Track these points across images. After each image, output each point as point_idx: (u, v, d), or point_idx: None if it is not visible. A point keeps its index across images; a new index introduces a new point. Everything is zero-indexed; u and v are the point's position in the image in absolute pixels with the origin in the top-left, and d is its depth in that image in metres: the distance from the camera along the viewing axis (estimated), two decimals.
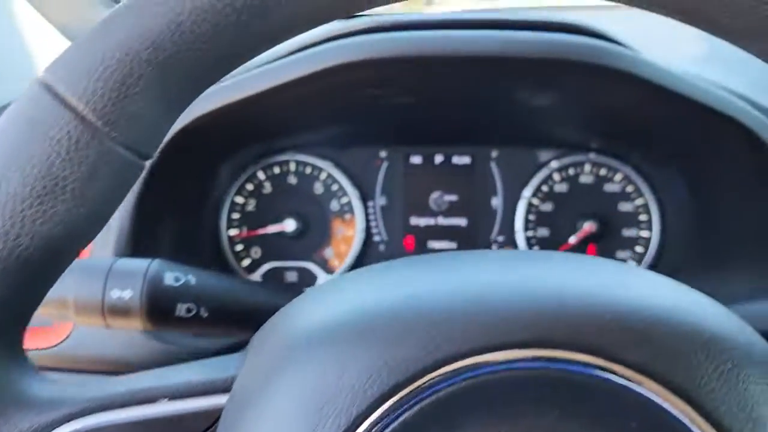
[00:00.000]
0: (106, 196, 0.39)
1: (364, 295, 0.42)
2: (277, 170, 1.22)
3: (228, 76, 0.90)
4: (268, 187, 1.21)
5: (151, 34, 0.37)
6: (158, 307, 0.69)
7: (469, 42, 0.80)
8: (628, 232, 1.21)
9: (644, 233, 1.21)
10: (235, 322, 0.74)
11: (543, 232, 1.22)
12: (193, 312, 0.71)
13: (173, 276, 0.71)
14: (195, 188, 1.07)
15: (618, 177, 1.21)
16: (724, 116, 0.86)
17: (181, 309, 0.70)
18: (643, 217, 1.21)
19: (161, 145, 0.86)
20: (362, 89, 0.90)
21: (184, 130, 0.83)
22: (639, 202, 1.21)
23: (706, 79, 0.94)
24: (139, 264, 0.70)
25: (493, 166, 1.24)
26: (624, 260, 1.21)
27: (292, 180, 1.22)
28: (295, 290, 0.80)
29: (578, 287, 0.41)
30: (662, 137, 1.08)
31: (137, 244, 0.88)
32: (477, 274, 0.43)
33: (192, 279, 0.71)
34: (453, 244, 1.25)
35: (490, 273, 0.43)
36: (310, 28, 0.40)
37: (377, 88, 0.89)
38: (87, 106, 0.36)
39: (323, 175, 1.22)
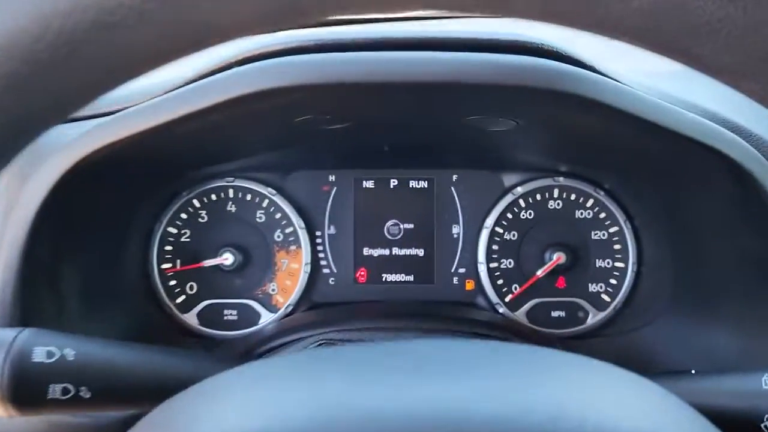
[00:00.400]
0: None
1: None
2: (213, 197, 1.10)
3: (130, 101, 0.79)
4: (204, 216, 1.10)
5: None
6: (25, 390, 0.57)
7: (411, 66, 0.69)
8: (601, 263, 1.10)
9: (619, 264, 1.10)
10: (127, 401, 0.63)
11: (508, 263, 1.11)
12: (71, 393, 0.59)
13: (45, 351, 0.59)
14: (108, 223, 0.94)
15: (589, 203, 1.10)
16: (704, 146, 0.75)
17: (55, 390, 0.58)
18: (617, 246, 1.10)
19: (49, 185, 0.74)
20: (289, 115, 0.78)
21: (76, 168, 0.71)
22: (613, 229, 1.10)
23: (679, 98, 0.84)
24: (2, 336, 0.59)
25: (454, 190, 1.13)
26: (596, 293, 1.10)
27: (231, 208, 1.10)
28: (199, 356, 0.68)
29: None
30: (637, 162, 0.97)
31: (30, 302, 0.75)
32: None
33: (70, 353, 0.60)
34: (409, 277, 1.14)
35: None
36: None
37: (305, 113, 0.77)
38: None
39: (265, 203, 1.10)
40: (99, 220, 0.90)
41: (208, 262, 1.08)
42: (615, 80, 0.76)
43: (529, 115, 0.84)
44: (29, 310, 0.74)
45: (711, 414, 0.43)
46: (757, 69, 0.32)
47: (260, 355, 0.90)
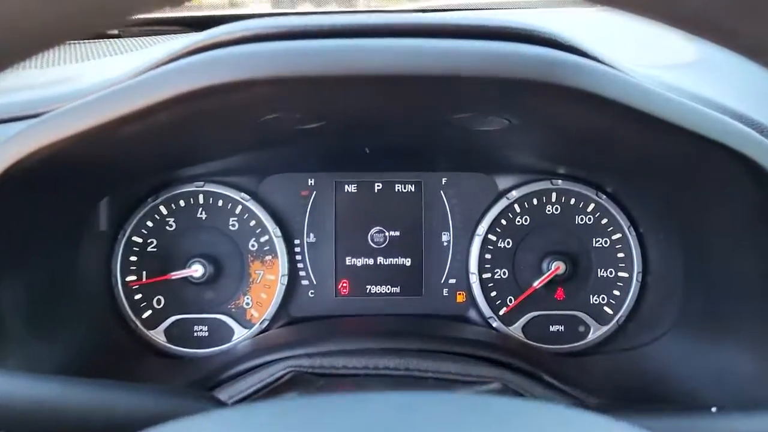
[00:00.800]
0: None
1: None
2: (182, 203, 1.01)
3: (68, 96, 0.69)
4: (171, 224, 1.01)
5: None
6: None
7: (384, 55, 0.60)
8: (604, 273, 1.02)
9: (622, 273, 1.01)
10: None
11: (502, 273, 1.02)
12: None
13: None
14: (56, 234, 0.84)
15: (590, 207, 1.02)
16: (722, 146, 0.66)
17: None
18: (620, 255, 1.01)
19: None
20: (251, 113, 0.69)
21: (5, 174, 0.62)
22: (615, 236, 1.01)
23: (694, 93, 0.75)
24: None
25: (443, 194, 1.04)
26: (598, 305, 1.02)
27: (201, 215, 1.01)
28: (144, 391, 0.59)
29: None
30: (643, 163, 0.88)
31: None
32: None
33: None
34: (396, 288, 1.05)
35: None
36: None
37: (268, 112, 0.68)
38: None
39: (238, 209, 1.02)
40: (44, 230, 0.81)
41: (176, 274, 0.99)
42: (620, 71, 0.67)
43: (523, 111, 0.75)
44: None
45: None
46: None
47: (229, 378, 0.81)
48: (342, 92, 0.64)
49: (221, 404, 0.62)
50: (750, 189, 0.71)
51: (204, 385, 0.80)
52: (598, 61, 0.67)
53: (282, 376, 0.71)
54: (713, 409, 0.55)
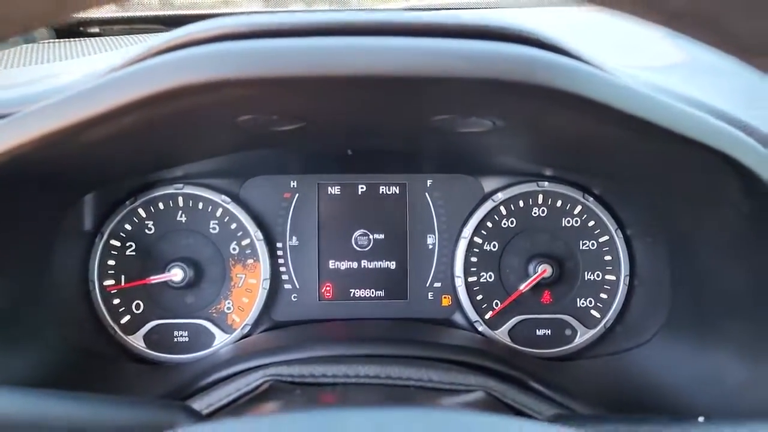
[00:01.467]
0: None
1: None
2: (161, 206, 0.99)
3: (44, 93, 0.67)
4: (150, 227, 0.99)
5: None
6: None
7: (359, 54, 0.58)
8: (591, 276, 1.01)
9: (609, 276, 1.00)
10: None
11: (488, 277, 1.01)
12: None
13: None
14: (26, 239, 0.82)
15: (577, 210, 1.00)
16: (711, 149, 0.65)
17: None
18: (607, 258, 1.00)
19: None
20: (226, 114, 0.67)
21: None
22: (603, 239, 1.00)
23: (682, 94, 0.73)
24: None
25: (428, 197, 1.03)
26: (585, 309, 1.00)
27: (181, 218, 0.99)
28: (125, 403, 0.57)
29: None
30: (630, 165, 0.87)
31: None
32: None
33: None
34: (380, 292, 1.03)
35: None
36: None
37: (243, 113, 0.66)
38: None
39: (219, 212, 1.00)
40: (15, 234, 0.79)
41: (156, 278, 0.97)
42: (603, 71, 0.66)
43: (505, 113, 0.74)
44: None
45: None
46: None
47: (208, 386, 0.79)
48: (317, 93, 0.62)
49: (196, 415, 0.60)
50: (737, 192, 0.70)
51: (182, 393, 0.78)
52: (582, 60, 0.65)
53: (259, 386, 0.69)
54: (700, 419, 0.54)
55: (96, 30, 1.48)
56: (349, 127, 0.78)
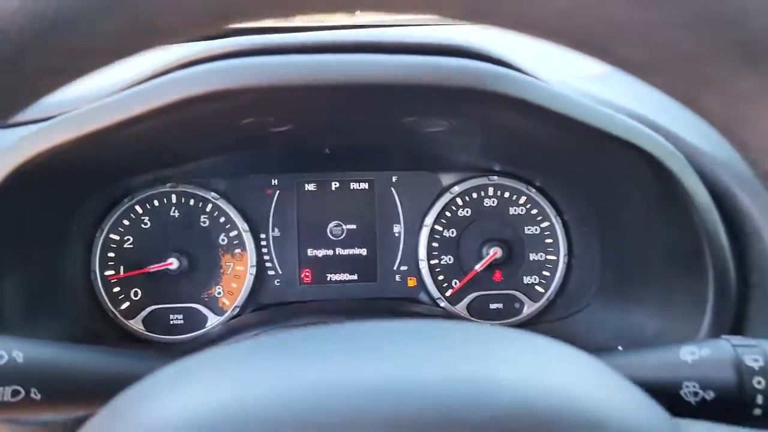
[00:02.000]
0: None
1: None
2: (156, 203, 1.10)
3: (71, 105, 0.79)
4: (147, 222, 1.10)
5: None
6: None
7: (350, 68, 0.72)
8: (535, 256, 1.16)
9: (551, 257, 1.16)
10: (77, 401, 0.63)
11: (447, 259, 1.16)
12: (21, 395, 0.59)
13: None
14: (48, 232, 0.94)
15: (522, 200, 1.16)
16: (625, 143, 0.81)
17: (5, 393, 0.59)
18: (549, 240, 1.16)
19: None
20: (233, 117, 0.80)
21: (13, 176, 0.71)
22: (544, 225, 1.16)
23: (605, 99, 0.90)
24: None
25: (394, 191, 1.17)
26: (531, 285, 1.16)
27: (175, 213, 1.11)
28: (148, 357, 0.70)
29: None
30: (565, 160, 1.03)
31: None
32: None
33: (19, 355, 0.60)
34: (353, 276, 1.17)
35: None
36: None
37: (248, 116, 0.79)
38: None
39: (209, 207, 1.12)
40: (39, 228, 0.90)
41: (153, 268, 1.08)
42: (540, 80, 0.82)
43: (462, 115, 0.89)
44: None
45: (637, 384, 0.48)
46: (667, 66, 0.36)
47: None
48: (313, 99, 0.76)
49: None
50: (650, 180, 0.87)
51: None
52: (522, 71, 0.81)
53: None
54: (619, 348, 0.69)
55: None
56: (331, 128, 0.92)
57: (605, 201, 1.03)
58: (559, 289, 1.15)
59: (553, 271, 1.16)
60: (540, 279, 1.16)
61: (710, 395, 0.61)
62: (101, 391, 0.62)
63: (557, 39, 0.36)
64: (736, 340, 0.64)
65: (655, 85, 0.38)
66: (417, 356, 0.41)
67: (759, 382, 0.60)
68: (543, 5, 0.34)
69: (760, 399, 0.60)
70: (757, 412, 0.61)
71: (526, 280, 1.16)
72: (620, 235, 1.03)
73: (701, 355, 0.64)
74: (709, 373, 0.62)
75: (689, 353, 0.64)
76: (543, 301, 1.15)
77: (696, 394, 0.62)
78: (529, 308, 1.15)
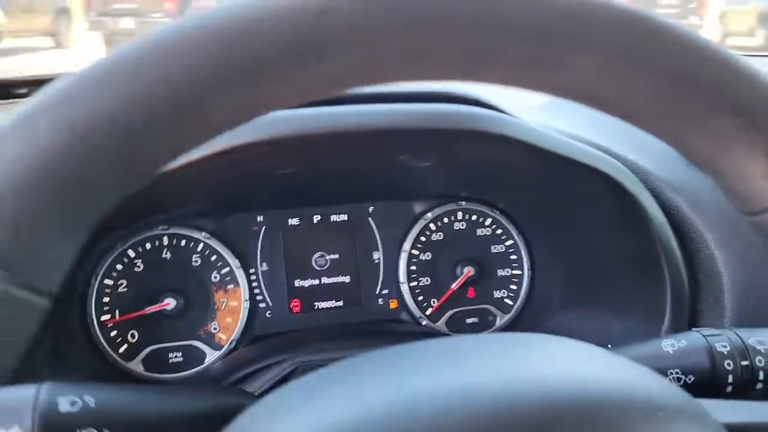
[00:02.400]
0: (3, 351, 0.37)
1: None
2: (148, 246, 1.14)
3: None
4: (140, 266, 1.14)
5: (42, 155, 0.34)
6: None
7: (355, 117, 0.82)
8: (502, 272, 1.28)
9: (516, 272, 1.29)
10: None
11: (425, 281, 1.26)
12: None
13: (68, 400, 0.63)
14: (70, 273, 0.97)
15: (488, 221, 1.28)
16: (586, 167, 0.95)
17: None
18: (513, 257, 1.28)
19: None
20: (245, 165, 0.88)
21: None
22: (509, 243, 1.28)
23: (564, 130, 1.03)
24: (24, 393, 0.62)
25: (371, 221, 1.26)
26: (501, 298, 1.28)
27: (167, 255, 1.15)
28: (219, 390, 0.75)
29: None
30: (528, 184, 1.16)
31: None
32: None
33: (90, 400, 0.65)
34: (339, 302, 1.24)
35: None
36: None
37: (260, 162, 0.87)
38: None
39: (200, 247, 1.17)
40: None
41: (150, 309, 1.12)
42: (515, 117, 0.94)
43: (447, 151, 1.00)
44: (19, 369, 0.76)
45: None
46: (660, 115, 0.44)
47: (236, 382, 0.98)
48: (325, 145, 0.85)
49: (251, 396, 0.79)
50: (608, 199, 1.01)
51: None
52: (499, 110, 0.94)
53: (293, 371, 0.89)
54: (608, 346, 0.81)
55: (24, 91, 1.56)
56: (332, 168, 1.01)
57: (566, 219, 1.17)
58: (526, 301, 1.28)
59: (520, 285, 1.28)
60: (508, 292, 1.28)
61: (690, 379, 0.74)
62: (172, 426, 0.67)
63: (587, 102, 0.43)
64: (706, 331, 0.77)
65: (645, 129, 0.48)
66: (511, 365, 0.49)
67: (728, 364, 0.73)
68: (573, 75, 0.44)
69: (730, 378, 0.73)
70: (729, 389, 0.74)
71: (497, 294, 1.28)
72: (581, 248, 1.16)
73: (680, 346, 0.76)
74: (688, 361, 0.75)
75: (670, 345, 0.77)
76: (513, 312, 1.27)
77: (679, 379, 0.74)
78: (501, 320, 1.27)
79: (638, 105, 0.43)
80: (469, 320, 1.26)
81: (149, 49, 0.36)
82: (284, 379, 0.90)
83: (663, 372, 0.74)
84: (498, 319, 1.27)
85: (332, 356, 0.95)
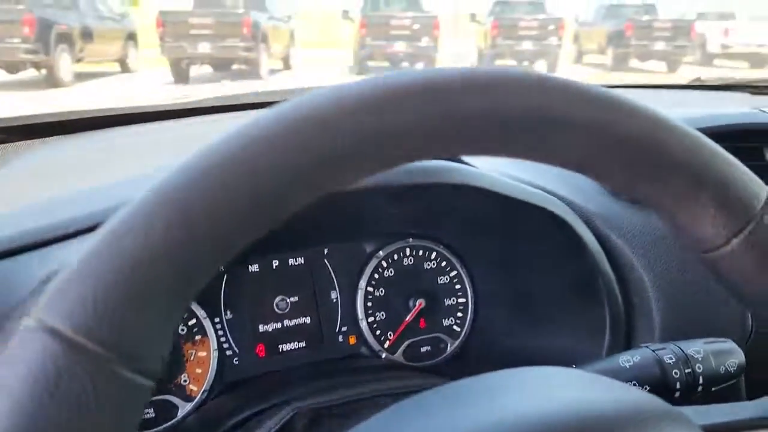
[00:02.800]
0: None
1: None
2: None
3: None
4: None
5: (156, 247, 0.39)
6: None
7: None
8: (449, 301, 1.39)
9: (461, 300, 1.40)
10: None
11: (381, 315, 1.34)
12: None
13: None
14: None
15: (433, 255, 1.39)
16: (532, 206, 1.07)
17: None
18: (458, 287, 1.40)
19: None
20: None
21: None
22: (453, 274, 1.40)
23: (511, 174, 1.16)
24: None
25: (327, 262, 1.33)
26: (449, 326, 1.39)
27: None
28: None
29: None
30: (473, 222, 1.28)
31: None
32: None
33: None
34: (302, 343, 1.30)
35: None
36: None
37: None
38: (83, 335, 0.37)
39: None
40: None
41: None
42: (464, 164, 1.06)
43: (406, 199, 1.10)
44: None
45: None
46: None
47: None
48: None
49: None
50: (550, 232, 1.14)
51: None
52: (463, 162, 1.05)
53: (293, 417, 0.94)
54: (573, 366, 0.93)
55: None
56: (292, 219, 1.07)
57: (509, 251, 1.30)
58: (472, 327, 1.39)
59: (465, 312, 1.39)
60: (455, 320, 1.39)
61: (647, 389, 0.87)
62: None
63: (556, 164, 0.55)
64: (653, 346, 0.91)
65: (600, 182, 0.61)
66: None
67: (676, 373, 0.87)
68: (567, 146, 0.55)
69: (678, 385, 0.87)
70: (677, 394, 0.88)
71: (445, 322, 1.38)
72: (525, 277, 1.30)
73: (635, 361, 0.90)
74: (642, 373, 0.88)
75: (626, 360, 0.90)
76: (461, 338, 1.38)
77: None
78: (452, 346, 1.37)
79: (596, 163, 0.54)
80: (423, 349, 1.36)
81: (239, 149, 0.42)
82: (286, 427, 0.95)
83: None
84: (449, 346, 1.37)
85: (328, 397, 1.01)
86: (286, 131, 0.44)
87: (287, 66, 20.32)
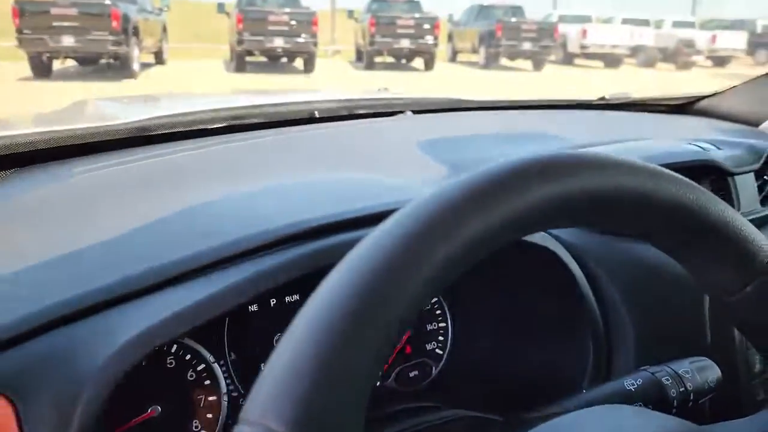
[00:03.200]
0: None
1: None
2: None
3: None
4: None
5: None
6: None
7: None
8: (430, 326, 1.48)
9: (441, 324, 1.49)
10: None
11: None
12: None
13: None
14: None
15: None
16: (528, 242, 1.19)
17: None
18: (438, 312, 1.49)
19: None
20: None
21: None
22: (433, 300, 1.49)
23: None
24: None
25: None
26: (432, 350, 1.48)
27: (142, 362, 1.14)
28: None
29: None
30: None
31: None
32: None
33: None
34: None
35: None
36: None
37: None
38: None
39: (174, 348, 1.18)
40: None
41: (137, 420, 1.11)
42: None
43: None
44: None
45: None
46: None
47: None
48: None
49: None
50: (541, 267, 1.26)
51: None
52: None
53: None
54: (584, 390, 1.05)
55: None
56: None
57: (496, 282, 1.40)
58: (454, 349, 1.49)
59: (446, 336, 1.49)
60: (438, 344, 1.48)
61: (650, 408, 1.01)
62: None
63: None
64: (652, 369, 1.05)
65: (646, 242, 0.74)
66: None
67: (673, 392, 1.02)
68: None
69: (675, 402, 1.02)
70: (674, 411, 1.02)
71: (429, 347, 1.47)
72: (505, 301, 1.41)
73: (637, 384, 1.03)
74: (646, 394, 1.02)
75: (630, 384, 1.03)
76: (444, 361, 1.48)
77: None
78: (437, 368, 1.47)
79: (650, 231, 0.68)
80: (412, 374, 1.44)
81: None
82: None
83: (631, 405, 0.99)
84: (434, 368, 1.46)
85: None
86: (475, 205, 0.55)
87: (160, 61, 19.46)
